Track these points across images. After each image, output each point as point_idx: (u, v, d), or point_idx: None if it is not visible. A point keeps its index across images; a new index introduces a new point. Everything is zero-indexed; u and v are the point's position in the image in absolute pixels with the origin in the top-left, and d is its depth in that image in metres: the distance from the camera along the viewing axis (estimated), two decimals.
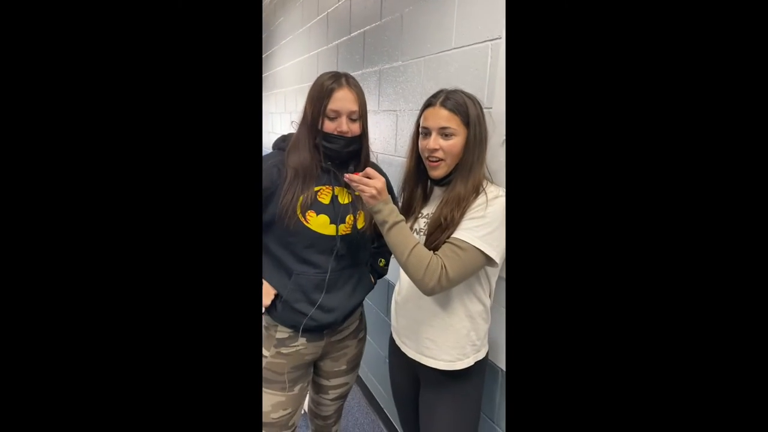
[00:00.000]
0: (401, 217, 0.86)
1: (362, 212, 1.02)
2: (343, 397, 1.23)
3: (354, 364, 1.18)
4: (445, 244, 0.83)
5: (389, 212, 0.84)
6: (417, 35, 1.32)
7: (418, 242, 0.83)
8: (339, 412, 1.28)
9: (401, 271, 0.94)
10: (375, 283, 1.15)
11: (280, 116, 3.19)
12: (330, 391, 1.18)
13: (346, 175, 0.87)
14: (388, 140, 1.53)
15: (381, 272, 1.18)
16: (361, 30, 1.69)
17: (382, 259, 1.18)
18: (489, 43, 1.01)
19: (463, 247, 0.80)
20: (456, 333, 0.91)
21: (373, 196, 0.84)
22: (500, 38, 0.97)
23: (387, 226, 0.84)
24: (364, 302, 1.16)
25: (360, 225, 1.02)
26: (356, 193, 0.96)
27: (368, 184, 0.84)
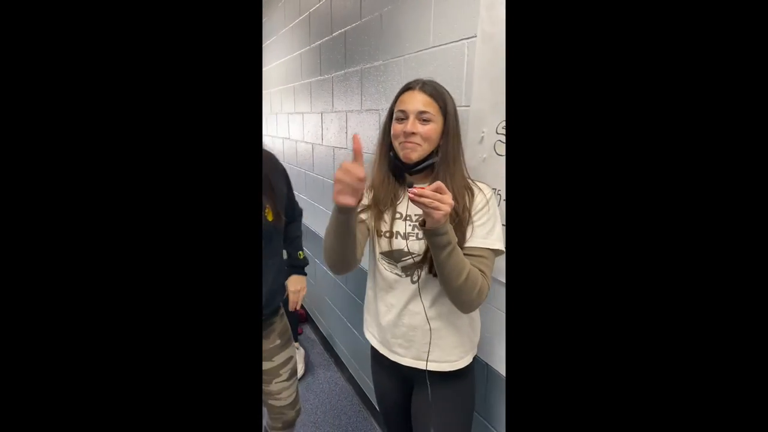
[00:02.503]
0: (456, 237, 0.76)
1: (268, 207, 1.08)
2: (295, 373, 1.26)
3: (287, 338, 1.23)
4: (475, 257, 0.80)
5: (452, 233, 0.75)
6: (396, 34, 1.32)
7: (468, 263, 0.77)
8: (297, 393, 1.29)
9: (377, 279, 0.92)
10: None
11: (266, 117, 3.17)
12: (281, 372, 1.21)
13: (410, 190, 0.70)
14: (371, 139, 1.53)
15: (302, 264, 1.33)
16: (342, 30, 1.69)
17: (301, 252, 1.33)
18: (465, 41, 1.01)
19: (487, 255, 0.81)
20: (458, 332, 0.90)
21: (446, 215, 0.69)
22: (476, 37, 0.98)
23: (450, 248, 0.73)
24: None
25: (270, 218, 1.09)
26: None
27: (443, 200, 0.68)
